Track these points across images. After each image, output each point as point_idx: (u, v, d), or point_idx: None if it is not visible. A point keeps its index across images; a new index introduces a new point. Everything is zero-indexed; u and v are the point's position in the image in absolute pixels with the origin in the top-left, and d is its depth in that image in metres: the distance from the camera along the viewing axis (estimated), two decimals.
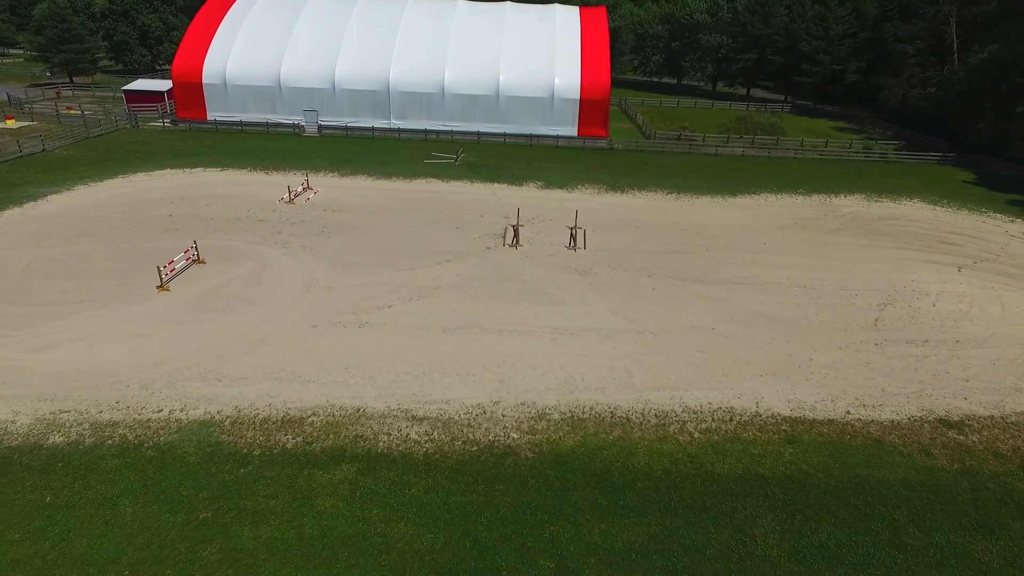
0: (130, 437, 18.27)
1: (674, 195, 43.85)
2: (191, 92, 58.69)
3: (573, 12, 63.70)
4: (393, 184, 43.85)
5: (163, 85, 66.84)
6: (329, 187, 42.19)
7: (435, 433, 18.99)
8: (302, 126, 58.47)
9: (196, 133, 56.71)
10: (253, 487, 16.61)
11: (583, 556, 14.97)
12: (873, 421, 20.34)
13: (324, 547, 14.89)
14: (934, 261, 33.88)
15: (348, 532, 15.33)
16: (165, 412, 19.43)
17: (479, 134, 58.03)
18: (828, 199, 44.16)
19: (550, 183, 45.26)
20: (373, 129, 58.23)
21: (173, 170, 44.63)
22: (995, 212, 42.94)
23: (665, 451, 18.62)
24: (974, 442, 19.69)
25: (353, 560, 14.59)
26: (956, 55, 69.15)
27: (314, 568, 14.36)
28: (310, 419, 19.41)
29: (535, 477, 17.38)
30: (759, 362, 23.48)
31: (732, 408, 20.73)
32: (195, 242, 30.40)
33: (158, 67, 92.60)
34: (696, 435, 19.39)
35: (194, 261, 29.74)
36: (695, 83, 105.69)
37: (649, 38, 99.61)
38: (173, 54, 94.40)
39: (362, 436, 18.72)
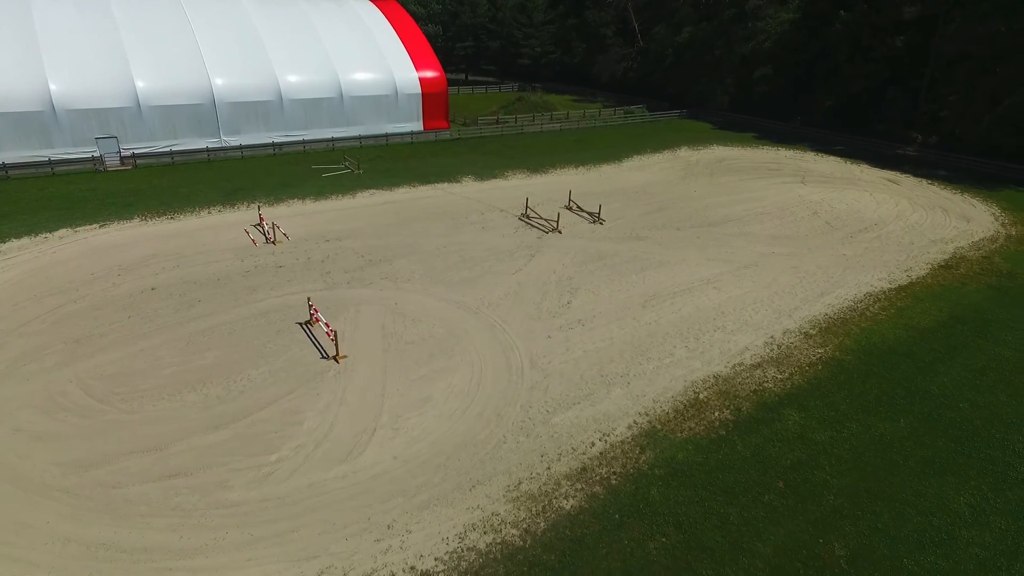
0: (603, 473, 17.51)
1: (583, 168, 50.28)
2: None
3: (369, 6, 62.37)
4: (344, 202, 39.68)
5: None
6: (281, 219, 35.88)
7: (784, 369, 22.81)
8: (103, 159, 45.30)
9: None
10: (774, 451, 18.44)
11: (978, 377, 21.76)
12: (933, 274, 31.48)
13: (878, 456, 18.36)
14: (786, 182, 48.40)
15: (880, 438, 18.98)
16: (592, 439, 18.66)
17: (332, 140, 53.82)
18: (674, 152, 56.46)
19: (479, 175, 46.74)
20: (208, 151, 48.64)
21: (24, 240, 31.80)
22: (762, 145, 61.26)
23: (890, 325, 26.23)
24: (972, 267, 32.45)
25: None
26: (639, 36, 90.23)
27: (884, 473, 17.91)
28: (702, 395, 21.05)
29: (875, 366, 23.11)
30: (831, 265, 32.62)
31: (874, 290, 29.41)
32: (309, 298, 24.98)
33: None
34: (884, 312, 27.43)
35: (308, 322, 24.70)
36: None
37: None
38: None
39: (756, 390, 21.42)
